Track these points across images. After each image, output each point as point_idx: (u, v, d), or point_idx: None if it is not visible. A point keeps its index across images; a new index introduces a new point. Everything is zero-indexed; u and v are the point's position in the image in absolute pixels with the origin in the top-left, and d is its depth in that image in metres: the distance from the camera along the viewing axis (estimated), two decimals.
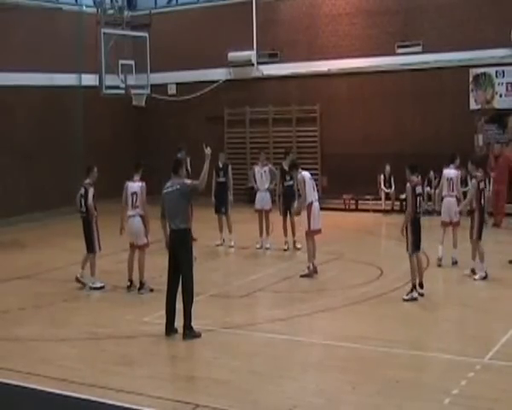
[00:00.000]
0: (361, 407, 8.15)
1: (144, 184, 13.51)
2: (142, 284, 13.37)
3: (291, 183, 16.26)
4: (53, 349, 10.46)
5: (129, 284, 13.50)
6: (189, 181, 10.83)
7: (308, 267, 14.16)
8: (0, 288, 14.34)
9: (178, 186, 10.77)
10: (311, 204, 14.11)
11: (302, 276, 14.14)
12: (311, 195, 14.19)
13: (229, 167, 17.59)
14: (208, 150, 10.80)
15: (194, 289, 10.74)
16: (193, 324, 10.64)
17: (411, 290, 12.21)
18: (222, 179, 17.37)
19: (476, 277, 13.54)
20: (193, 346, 10.46)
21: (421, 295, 12.32)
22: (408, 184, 12.42)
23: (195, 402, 8.30)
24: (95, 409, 8.36)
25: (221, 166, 17.42)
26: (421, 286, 12.41)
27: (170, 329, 10.76)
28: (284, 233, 16.74)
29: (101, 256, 14.12)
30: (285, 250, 16.66)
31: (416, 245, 12.37)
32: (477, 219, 13.59)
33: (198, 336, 10.62)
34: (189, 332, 10.60)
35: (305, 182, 14.15)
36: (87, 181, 13.99)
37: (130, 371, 9.45)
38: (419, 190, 12.56)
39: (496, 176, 19.35)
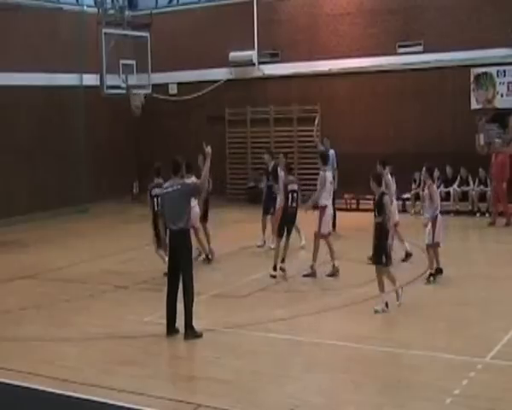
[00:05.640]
0: (363, 406, 8.14)
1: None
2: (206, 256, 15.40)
3: (270, 183, 16.94)
4: (54, 349, 10.46)
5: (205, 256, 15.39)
6: (190, 181, 10.82)
7: (311, 267, 14.18)
8: (1, 288, 14.34)
9: (179, 186, 10.75)
10: (325, 207, 14.24)
11: (305, 275, 14.17)
12: (327, 198, 14.37)
13: (279, 170, 17.05)
14: (208, 149, 10.80)
15: (194, 289, 10.75)
16: (194, 324, 10.63)
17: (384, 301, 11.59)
18: (269, 183, 17.29)
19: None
20: (194, 346, 10.46)
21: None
22: (386, 197, 11.73)
23: (197, 402, 8.31)
24: (96, 409, 8.36)
25: (270, 169, 17.32)
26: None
27: (171, 329, 10.76)
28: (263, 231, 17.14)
29: (103, 256, 14.12)
30: (258, 247, 17.00)
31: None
32: None
33: (199, 336, 10.61)
34: (191, 332, 10.60)
35: (325, 180, 14.35)
36: (161, 181, 13.41)
37: (131, 372, 9.44)
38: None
39: (494, 173, 19.25)
